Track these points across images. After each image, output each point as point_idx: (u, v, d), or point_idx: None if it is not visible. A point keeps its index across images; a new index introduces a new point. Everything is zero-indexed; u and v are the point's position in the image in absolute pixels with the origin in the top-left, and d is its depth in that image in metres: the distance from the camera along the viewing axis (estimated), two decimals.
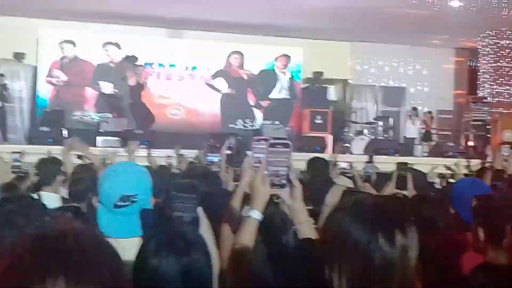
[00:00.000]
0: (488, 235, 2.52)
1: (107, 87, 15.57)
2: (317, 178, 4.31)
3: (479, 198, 2.70)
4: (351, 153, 13.70)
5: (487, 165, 5.83)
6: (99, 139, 12.76)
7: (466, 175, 6.62)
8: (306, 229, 2.15)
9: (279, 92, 16.74)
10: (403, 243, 1.53)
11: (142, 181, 2.37)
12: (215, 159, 7.84)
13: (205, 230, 1.97)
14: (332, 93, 17.59)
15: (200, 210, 1.98)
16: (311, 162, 5.57)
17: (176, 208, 1.97)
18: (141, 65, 14.23)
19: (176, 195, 2.00)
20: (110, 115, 14.91)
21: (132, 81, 13.61)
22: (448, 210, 3.37)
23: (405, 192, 4.12)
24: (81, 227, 1.09)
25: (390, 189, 3.93)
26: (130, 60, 13.56)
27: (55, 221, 1.08)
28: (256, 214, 2.11)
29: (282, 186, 2.11)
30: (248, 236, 2.11)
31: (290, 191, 2.13)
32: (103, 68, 15.65)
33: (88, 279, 0.97)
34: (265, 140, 2.70)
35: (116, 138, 12.71)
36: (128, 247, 2.08)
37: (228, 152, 8.53)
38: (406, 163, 4.16)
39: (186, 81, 16.07)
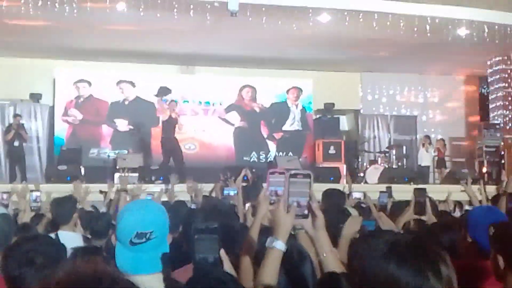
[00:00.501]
0: (508, 262, 2.53)
1: (122, 124, 15.80)
2: (332, 209, 4.33)
3: (496, 226, 2.72)
4: (365, 183, 13.71)
5: (500, 191, 5.78)
6: (116, 175, 12.86)
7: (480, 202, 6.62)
8: (331, 260, 2.13)
9: (292, 123, 16.86)
10: (448, 274, 1.53)
11: (158, 218, 2.39)
12: (232, 193, 7.86)
13: (228, 271, 1.99)
14: (344, 123, 17.71)
15: (223, 252, 2.00)
16: (326, 193, 5.61)
17: (199, 250, 1.99)
18: (173, 100, 14.39)
19: (198, 237, 2.01)
20: (126, 152, 15.05)
21: (164, 116, 13.80)
22: (466, 237, 3.38)
23: (424, 218, 4.11)
24: (108, 269, 1.11)
25: (409, 215, 3.93)
26: (163, 92, 13.77)
27: (85, 264, 1.10)
28: (280, 245, 2.09)
29: (304, 216, 2.11)
30: (272, 268, 2.09)
31: (312, 221, 2.12)
32: (118, 105, 15.90)
33: None
34: (280, 172, 2.74)
35: (134, 174, 12.78)
36: (146, 284, 2.14)
37: (244, 184, 8.56)
38: (424, 189, 4.15)
39: (199, 116, 16.26)
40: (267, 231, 2.27)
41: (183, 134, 15.94)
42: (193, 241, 2.01)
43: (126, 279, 1.11)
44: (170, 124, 13.75)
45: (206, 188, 10.49)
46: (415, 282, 1.49)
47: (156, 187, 10.98)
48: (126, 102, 16.00)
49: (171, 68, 16.44)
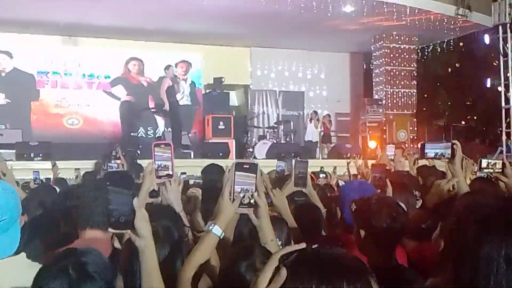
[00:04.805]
0: (368, 236, 2.56)
1: None
2: (209, 185, 4.26)
3: (358, 201, 2.74)
4: (254, 157, 13.80)
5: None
6: None
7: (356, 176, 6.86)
8: (271, 249, 2.14)
9: (181, 98, 16.58)
10: None
11: (5, 201, 2.24)
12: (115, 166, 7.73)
13: (140, 221, 1.91)
14: (234, 98, 17.71)
15: (136, 202, 1.92)
16: (206, 169, 5.53)
17: (111, 202, 1.91)
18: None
19: (112, 189, 1.94)
20: (3, 127, 14.23)
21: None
22: (336, 212, 3.42)
23: (304, 190, 4.12)
24: None
25: (289, 187, 3.92)
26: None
27: None
28: (216, 230, 2.12)
29: (249, 205, 2.15)
30: (205, 250, 2.14)
31: (256, 210, 2.16)
32: None
33: None
34: (165, 144, 2.62)
35: (11, 151, 12.09)
36: None
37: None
38: (306, 161, 4.15)
39: (83, 89, 15.62)
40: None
41: (66, 109, 15.33)
42: (106, 193, 1.95)
43: None
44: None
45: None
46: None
47: (36, 164, 10.49)
48: (3, 74, 15.06)
49: (52, 38, 15.58)
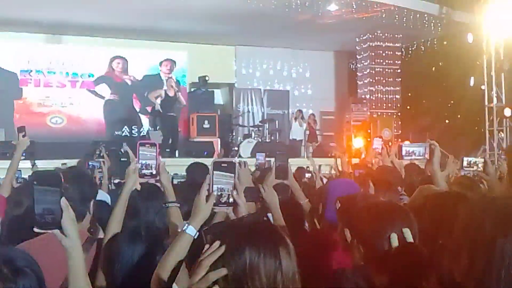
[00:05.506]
0: (354, 235, 2.55)
1: None
2: (195, 184, 4.21)
3: (342, 199, 2.72)
4: (240, 156, 13.78)
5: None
6: None
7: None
8: None
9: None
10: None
11: None
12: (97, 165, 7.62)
13: (68, 221, 1.88)
14: (219, 97, 17.67)
15: (63, 201, 1.87)
16: (190, 168, 5.50)
17: (37, 201, 1.85)
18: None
19: (37, 186, 1.88)
20: None
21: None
22: (318, 209, 3.41)
23: (286, 182, 4.09)
24: None
25: (271, 179, 3.90)
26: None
27: None
28: (191, 230, 2.11)
29: (228, 204, 2.13)
30: (178, 250, 2.12)
31: (235, 209, 2.15)
32: None
33: None
34: (151, 144, 2.59)
35: None
36: None
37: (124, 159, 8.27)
38: (285, 153, 4.10)
39: (67, 88, 15.49)
40: None
41: (49, 107, 15.22)
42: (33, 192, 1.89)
43: None
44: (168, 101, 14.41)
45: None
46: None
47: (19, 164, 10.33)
48: None
49: (36, 36, 15.46)
